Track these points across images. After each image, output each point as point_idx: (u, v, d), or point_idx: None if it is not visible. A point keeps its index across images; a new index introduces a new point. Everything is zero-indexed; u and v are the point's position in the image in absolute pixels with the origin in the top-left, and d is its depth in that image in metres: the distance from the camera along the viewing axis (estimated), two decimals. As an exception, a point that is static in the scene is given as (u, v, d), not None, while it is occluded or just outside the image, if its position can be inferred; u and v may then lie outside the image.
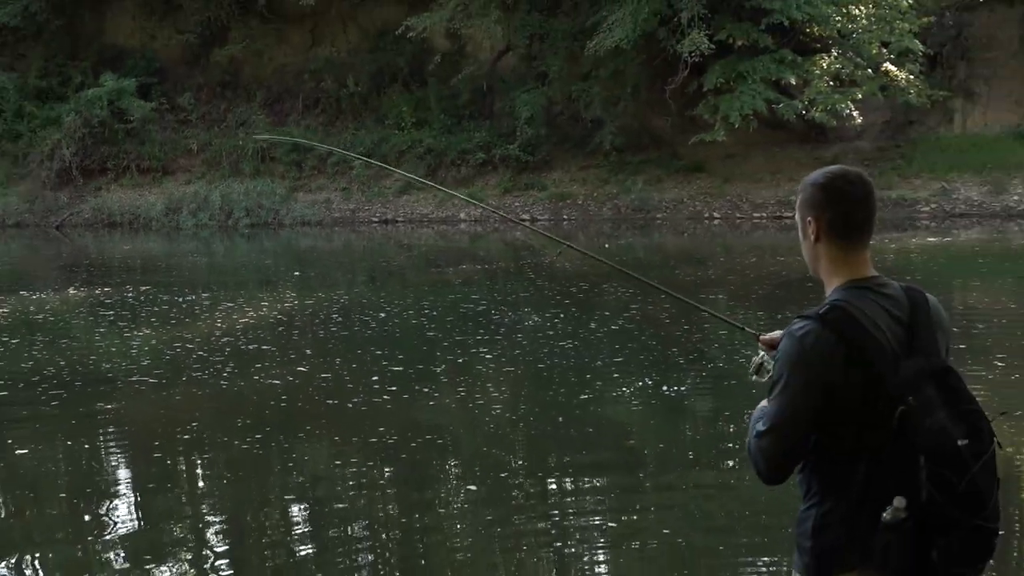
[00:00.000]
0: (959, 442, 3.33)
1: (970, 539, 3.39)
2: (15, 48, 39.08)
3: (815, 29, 29.07)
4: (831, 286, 3.59)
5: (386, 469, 8.37)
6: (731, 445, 8.74)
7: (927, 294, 3.55)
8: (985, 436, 3.36)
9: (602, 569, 6.13)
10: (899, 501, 3.32)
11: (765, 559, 6.10)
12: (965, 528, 3.37)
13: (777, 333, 3.97)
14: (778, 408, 3.42)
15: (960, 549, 3.40)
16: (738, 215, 30.02)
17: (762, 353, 3.98)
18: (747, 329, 4.14)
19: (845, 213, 3.56)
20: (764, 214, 29.79)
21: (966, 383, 3.39)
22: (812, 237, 3.60)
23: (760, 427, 3.45)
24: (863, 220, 3.56)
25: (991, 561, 3.49)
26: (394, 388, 10.80)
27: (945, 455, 3.31)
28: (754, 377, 3.93)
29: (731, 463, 8.40)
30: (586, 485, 7.96)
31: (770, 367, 3.89)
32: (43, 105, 36.96)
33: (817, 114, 28.62)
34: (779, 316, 13.98)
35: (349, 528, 7.10)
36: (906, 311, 3.51)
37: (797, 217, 3.69)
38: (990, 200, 28.71)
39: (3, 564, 6.58)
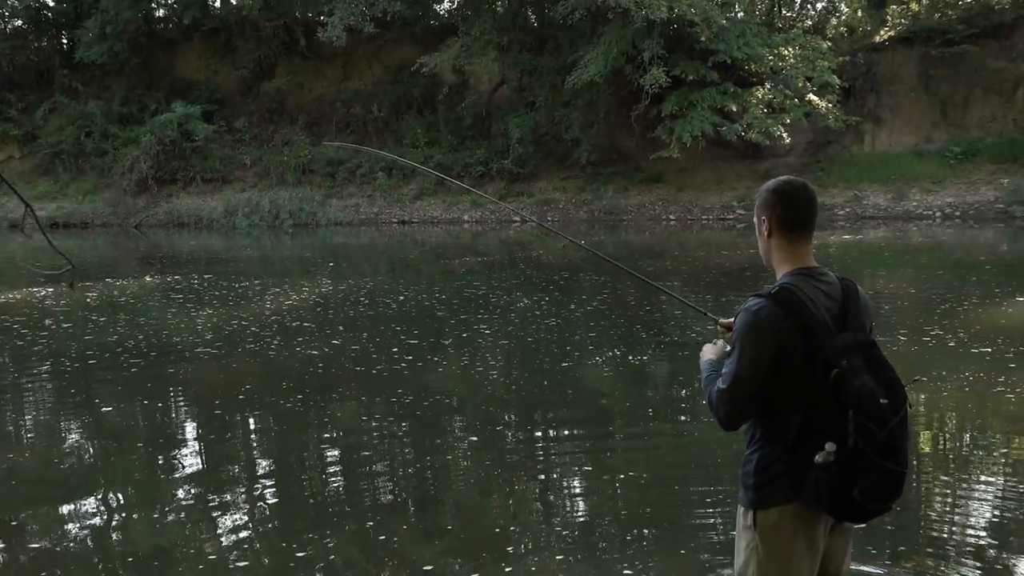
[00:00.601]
0: (881, 401, 3.38)
1: (886, 480, 3.43)
2: (102, 81, 39.10)
3: (752, 66, 29.12)
4: (780, 272, 3.65)
5: (403, 422, 8.36)
6: (683, 402, 8.75)
7: (857, 284, 3.63)
8: (901, 398, 3.44)
9: (578, 501, 6.13)
10: (830, 446, 3.36)
11: (712, 492, 6.10)
12: (882, 471, 3.41)
13: (732, 319, 4.00)
14: (737, 369, 3.47)
15: (877, 488, 3.43)
16: (689, 217, 30.09)
17: (719, 333, 4.01)
18: (709, 315, 4.17)
19: (792, 214, 3.63)
20: (711, 217, 29.86)
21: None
22: (765, 233, 3.66)
23: (721, 384, 3.52)
24: (806, 219, 3.64)
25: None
26: (410, 357, 10.80)
27: (870, 411, 3.36)
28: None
29: (684, 417, 8.41)
30: (565, 435, 7.96)
31: (725, 344, 3.94)
32: (124, 128, 37.03)
33: (754, 135, 28.70)
34: (723, 299, 14.03)
35: (373, 468, 7.09)
36: (840, 296, 3.58)
37: (754, 218, 3.74)
38: (893, 205, 28.78)
39: (91, 499, 6.58)
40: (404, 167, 33.70)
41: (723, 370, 3.56)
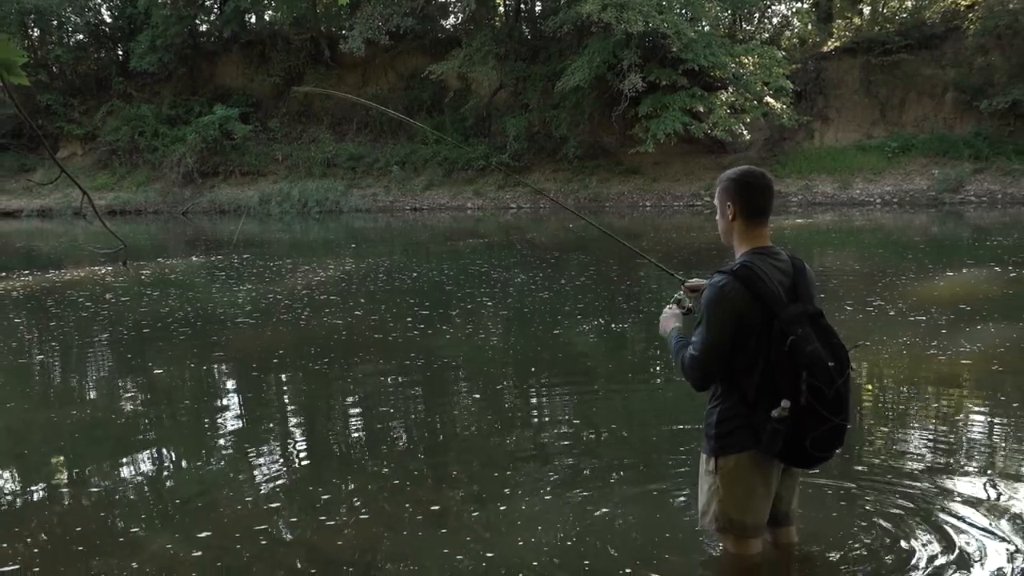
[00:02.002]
0: (829, 363, 3.39)
1: (831, 433, 3.45)
2: (152, 87, 38.99)
3: (717, 73, 29.00)
4: (740, 251, 3.65)
5: (415, 382, 8.35)
6: (657, 363, 8.74)
7: (804, 262, 3.66)
8: (845, 361, 3.47)
9: (565, 448, 6.12)
10: (785, 403, 3.38)
11: (680, 440, 6.08)
12: (829, 425, 3.42)
13: (696, 280, 4.02)
14: (705, 337, 3.48)
15: (825, 439, 3.46)
16: (663, 204, 30.06)
17: (682, 291, 4.02)
18: (677, 276, 4.16)
19: (753, 201, 3.61)
20: (681, 203, 29.83)
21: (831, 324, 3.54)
22: (730, 217, 3.64)
23: (693, 351, 3.53)
24: (765, 206, 3.64)
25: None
26: (422, 326, 10.77)
27: (820, 373, 3.38)
28: (673, 307, 3.94)
29: (657, 375, 8.40)
30: (555, 392, 7.95)
31: (687, 302, 3.93)
32: (172, 127, 36.89)
33: (718, 133, 28.67)
34: (693, 274, 13.94)
35: (388, 422, 7.07)
36: (791, 272, 3.59)
37: (717, 202, 3.72)
38: (839, 193, 28.77)
39: (145, 450, 6.58)
40: (414, 162, 33.69)
41: (692, 339, 3.56)
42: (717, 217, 3.70)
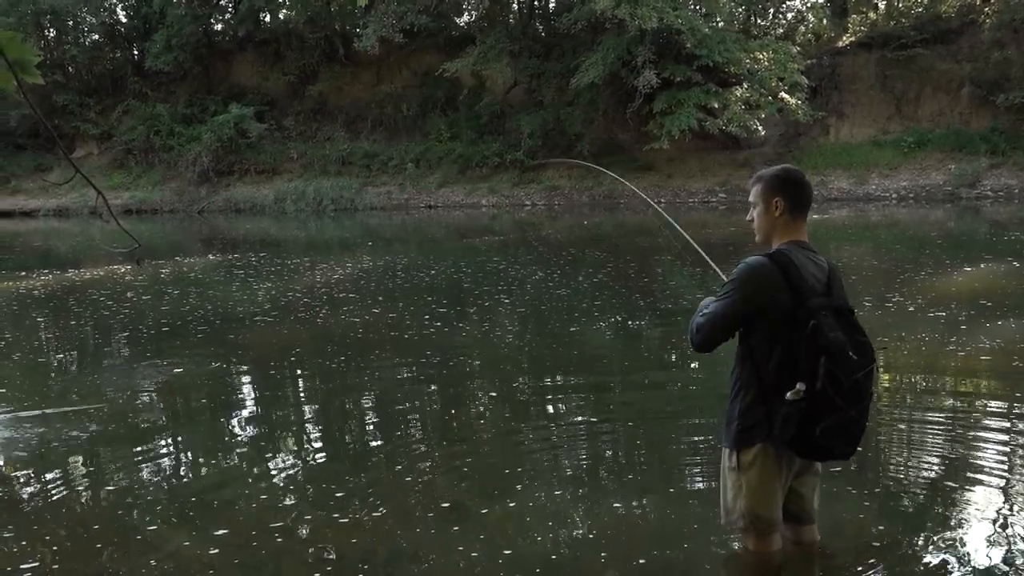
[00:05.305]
0: (851, 354, 3.41)
1: (845, 425, 3.48)
2: (168, 87, 39.12)
3: (731, 69, 28.84)
4: (777, 244, 3.70)
5: (431, 380, 8.33)
6: (674, 361, 8.69)
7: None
8: (868, 357, 3.50)
9: (580, 446, 6.09)
10: (800, 385, 3.43)
11: (696, 440, 6.03)
12: (844, 416, 3.44)
13: None
14: (722, 305, 3.60)
15: (836, 429, 3.49)
16: (677, 200, 29.95)
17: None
18: (721, 274, 4.17)
19: (800, 195, 3.70)
20: (696, 200, 29.74)
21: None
22: (776, 212, 3.69)
23: (706, 312, 3.62)
24: (809, 199, 3.72)
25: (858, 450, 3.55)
26: (439, 323, 10.76)
27: (840, 360, 3.43)
28: None
29: (674, 374, 8.35)
30: (572, 390, 7.91)
31: None
32: (188, 127, 36.99)
33: (733, 128, 28.55)
34: (710, 270, 13.88)
35: (404, 420, 7.06)
36: (826, 271, 3.64)
37: (758, 199, 3.74)
38: (855, 189, 28.62)
39: (162, 447, 6.59)
40: (428, 159, 33.72)
41: (708, 308, 3.62)
42: (756, 214, 3.72)
